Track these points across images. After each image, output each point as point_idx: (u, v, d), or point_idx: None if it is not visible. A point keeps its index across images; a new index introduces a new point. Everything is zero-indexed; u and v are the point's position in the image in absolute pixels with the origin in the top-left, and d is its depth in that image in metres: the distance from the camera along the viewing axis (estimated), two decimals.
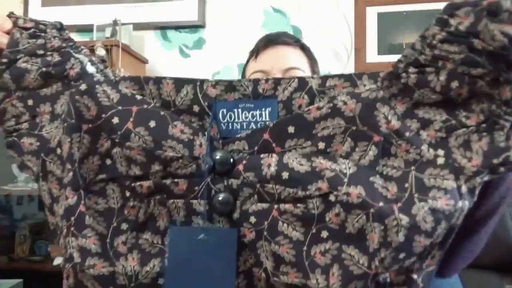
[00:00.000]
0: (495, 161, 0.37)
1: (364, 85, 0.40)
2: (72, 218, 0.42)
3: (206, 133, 0.42)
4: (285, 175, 0.39)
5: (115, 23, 1.63)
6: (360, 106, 0.39)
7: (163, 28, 1.82)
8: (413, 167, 0.38)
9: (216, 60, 1.78)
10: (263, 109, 0.42)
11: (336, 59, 1.70)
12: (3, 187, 1.72)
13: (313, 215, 0.39)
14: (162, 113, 0.43)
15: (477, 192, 0.38)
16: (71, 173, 0.43)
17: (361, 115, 0.39)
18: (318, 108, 0.40)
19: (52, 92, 0.46)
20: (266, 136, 0.41)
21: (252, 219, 0.40)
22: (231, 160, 0.41)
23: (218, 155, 0.41)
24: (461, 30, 0.37)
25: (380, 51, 1.65)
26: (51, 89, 0.46)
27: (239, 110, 0.42)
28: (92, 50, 1.46)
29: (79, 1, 1.85)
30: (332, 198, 0.38)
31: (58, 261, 1.61)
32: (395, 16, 1.65)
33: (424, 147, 0.38)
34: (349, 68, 1.68)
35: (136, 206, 0.43)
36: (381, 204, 0.37)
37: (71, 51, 0.46)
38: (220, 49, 1.78)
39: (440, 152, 0.38)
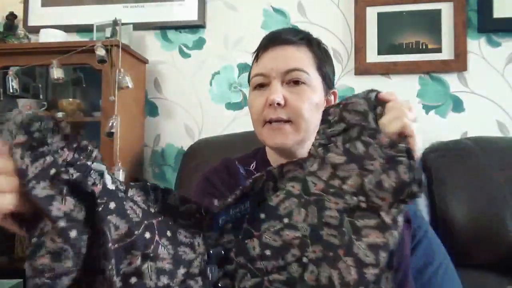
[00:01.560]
0: (401, 196, 0.46)
1: (306, 166, 0.52)
2: None
3: (201, 234, 0.51)
4: (267, 252, 0.49)
5: (115, 23, 1.63)
6: (301, 185, 0.52)
7: (163, 28, 1.82)
8: (345, 214, 0.48)
9: (216, 60, 1.78)
10: (245, 203, 0.52)
11: (336, 59, 1.70)
12: None
13: (294, 277, 0.48)
14: (170, 222, 0.49)
15: (399, 219, 0.47)
16: None
17: (303, 190, 0.51)
18: (277, 196, 0.52)
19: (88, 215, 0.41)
20: (245, 225, 0.51)
21: None
22: (222, 252, 0.51)
23: (212, 250, 0.50)
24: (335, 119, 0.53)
25: (380, 51, 1.65)
26: (83, 213, 0.40)
27: (230, 210, 0.52)
28: (92, 50, 1.46)
29: (79, 1, 1.85)
30: (304, 260, 0.48)
31: None
32: (395, 16, 1.65)
33: (348, 197, 0.48)
34: (349, 68, 1.69)
35: None
36: (331, 254, 0.47)
37: (86, 161, 0.41)
38: (220, 49, 1.78)
39: (362, 198, 0.48)
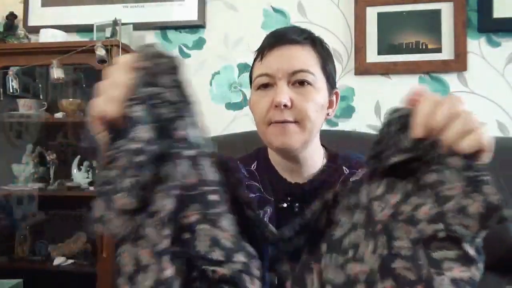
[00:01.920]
0: (490, 222, 0.40)
1: (367, 191, 0.46)
2: None
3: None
4: (328, 287, 0.44)
5: (115, 23, 1.63)
6: (365, 213, 0.45)
7: (163, 28, 1.82)
8: (419, 244, 0.42)
9: (216, 60, 1.78)
10: (300, 237, 0.47)
11: (336, 59, 1.70)
12: (3, 187, 1.72)
13: None
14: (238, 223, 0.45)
15: (481, 248, 0.42)
16: (168, 240, 0.40)
17: (367, 218, 0.45)
18: (341, 226, 0.46)
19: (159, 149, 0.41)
20: (304, 255, 0.46)
21: None
22: (276, 281, 0.46)
23: (267, 275, 0.45)
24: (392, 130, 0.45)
25: (380, 51, 1.65)
26: (155, 150, 0.41)
27: (280, 243, 0.47)
28: (92, 50, 1.46)
29: (79, 1, 1.85)
30: None
31: (58, 261, 1.61)
32: (395, 16, 1.65)
33: (423, 225, 0.42)
34: (349, 68, 1.69)
35: None
36: None
37: (184, 106, 0.44)
38: (220, 49, 1.78)
39: (440, 226, 0.41)
